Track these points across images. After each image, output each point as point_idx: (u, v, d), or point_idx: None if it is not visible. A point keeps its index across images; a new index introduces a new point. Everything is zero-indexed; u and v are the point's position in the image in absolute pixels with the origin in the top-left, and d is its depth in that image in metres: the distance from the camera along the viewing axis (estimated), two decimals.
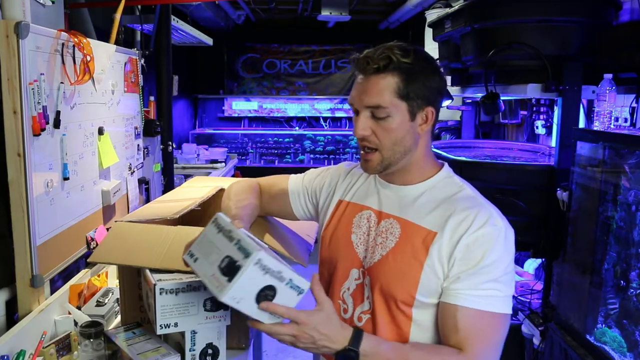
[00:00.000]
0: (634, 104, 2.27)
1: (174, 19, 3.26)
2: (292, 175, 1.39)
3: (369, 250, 1.15)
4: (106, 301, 1.74)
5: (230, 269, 0.96)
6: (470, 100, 3.82)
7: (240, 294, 0.94)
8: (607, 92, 2.09)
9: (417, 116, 1.09)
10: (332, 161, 6.37)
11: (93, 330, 1.50)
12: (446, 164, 1.20)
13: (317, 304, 1.00)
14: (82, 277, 1.85)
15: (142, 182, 2.59)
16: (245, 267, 0.93)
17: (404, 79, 1.06)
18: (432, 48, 3.42)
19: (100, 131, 2.04)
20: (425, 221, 1.10)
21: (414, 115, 1.09)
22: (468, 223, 1.05)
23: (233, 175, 5.13)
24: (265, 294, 0.96)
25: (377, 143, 1.09)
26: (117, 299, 1.76)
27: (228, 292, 0.93)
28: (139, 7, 2.88)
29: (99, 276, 1.93)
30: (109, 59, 2.12)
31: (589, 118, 2.46)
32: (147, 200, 2.69)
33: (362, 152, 1.13)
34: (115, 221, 1.62)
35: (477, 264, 1.03)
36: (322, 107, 6.59)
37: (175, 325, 1.24)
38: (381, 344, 1.02)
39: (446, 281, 1.05)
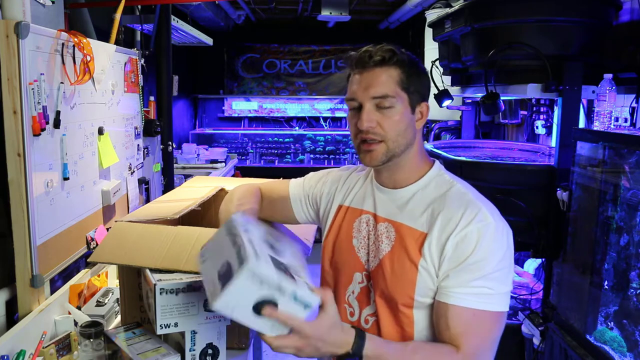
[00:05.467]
0: (634, 104, 2.27)
1: (174, 19, 3.26)
2: (293, 181, 1.39)
3: (370, 254, 1.15)
4: (106, 301, 1.74)
5: (226, 276, 0.91)
6: (470, 100, 3.82)
7: (233, 302, 0.89)
8: (607, 92, 2.09)
9: (415, 110, 1.13)
10: (332, 161, 6.37)
11: (93, 330, 1.50)
12: (437, 161, 1.20)
13: (322, 307, 0.96)
14: (82, 277, 1.85)
15: (142, 182, 2.59)
16: (236, 276, 0.88)
17: (404, 71, 1.10)
18: (432, 48, 3.42)
19: (100, 131, 2.04)
20: (418, 223, 1.10)
21: (413, 108, 1.12)
22: (456, 221, 1.05)
23: (233, 175, 5.13)
24: (265, 306, 0.90)
25: (382, 135, 1.09)
26: (117, 299, 1.76)
27: (218, 300, 0.88)
28: (139, 7, 2.88)
29: (99, 276, 1.93)
30: (109, 59, 2.11)
31: (589, 118, 2.46)
32: (147, 200, 2.69)
33: (363, 144, 1.11)
34: (115, 221, 1.62)
35: (464, 260, 1.03)
36: (322, 107, 6.59)
37: (175, 325, 1.24)
38: (383, 347, 1.02)
39: (438, 279, 1.06)
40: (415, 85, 1.11)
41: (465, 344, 1.01)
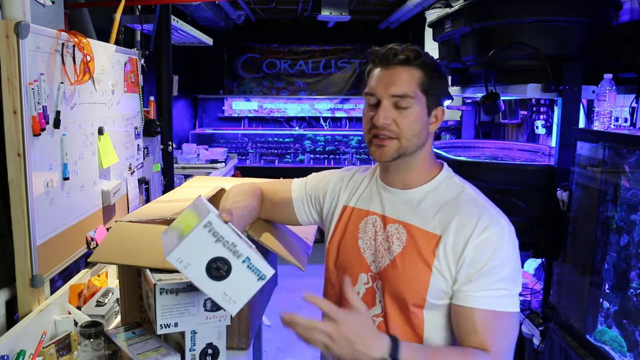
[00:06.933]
0: (634, 104, 2.27)
1: (174, 19, 3.26)
2: (295, 181, 1.38)
3: (377, 255, 1.15)
4: (106, 301, 1.74)
5: (184, 233, 0.92)
6: (470, 100, 3.82)
7: (187, 257, 0.89)
8: (607, 92, 2.09)
9: (431, 113, 1.13)
10: (332, 161, 6.37)
11: (93, 330, 1.50)
12: (445, 164, 1.21)
13: (352, 307, 0.97)
14: (82, 277, 1.85)
15: (142, 182, 2.59)
16: (194, 228, 0.90)
17: (427, 73, 1.10)
18: (432, 48, 3.42)
19: (100, 131, 2.04)
20: (430, 225, 1.11)
21: (430, 111, 1.13)
22: (472, 227, 1.07)
23: (233, 175, 5.13)
24: (217, 267, 0.91)
25: (397, 132, 1.10)
26: (117, 299, 1.76)
27: (173, 251, 0.89)
28: (139, 7, 2.88)
29: (99, 276, 1.93)
30: (109, 59, 2.11)
31: (589, 118, 2.46)
32: (147, 200, 2.69)
33: (375, 138, 1.11)
34: (116, 221, 1.62)
35: (486, 264, 1.05)
36: (322, 107, 6.59)
37: (175, 325, 1.24)
38: (417, 351, 1.02)
39: (456, 284, 1.07)
40: (435, 89, 1.12)
41: (493, 346, 1.03)
